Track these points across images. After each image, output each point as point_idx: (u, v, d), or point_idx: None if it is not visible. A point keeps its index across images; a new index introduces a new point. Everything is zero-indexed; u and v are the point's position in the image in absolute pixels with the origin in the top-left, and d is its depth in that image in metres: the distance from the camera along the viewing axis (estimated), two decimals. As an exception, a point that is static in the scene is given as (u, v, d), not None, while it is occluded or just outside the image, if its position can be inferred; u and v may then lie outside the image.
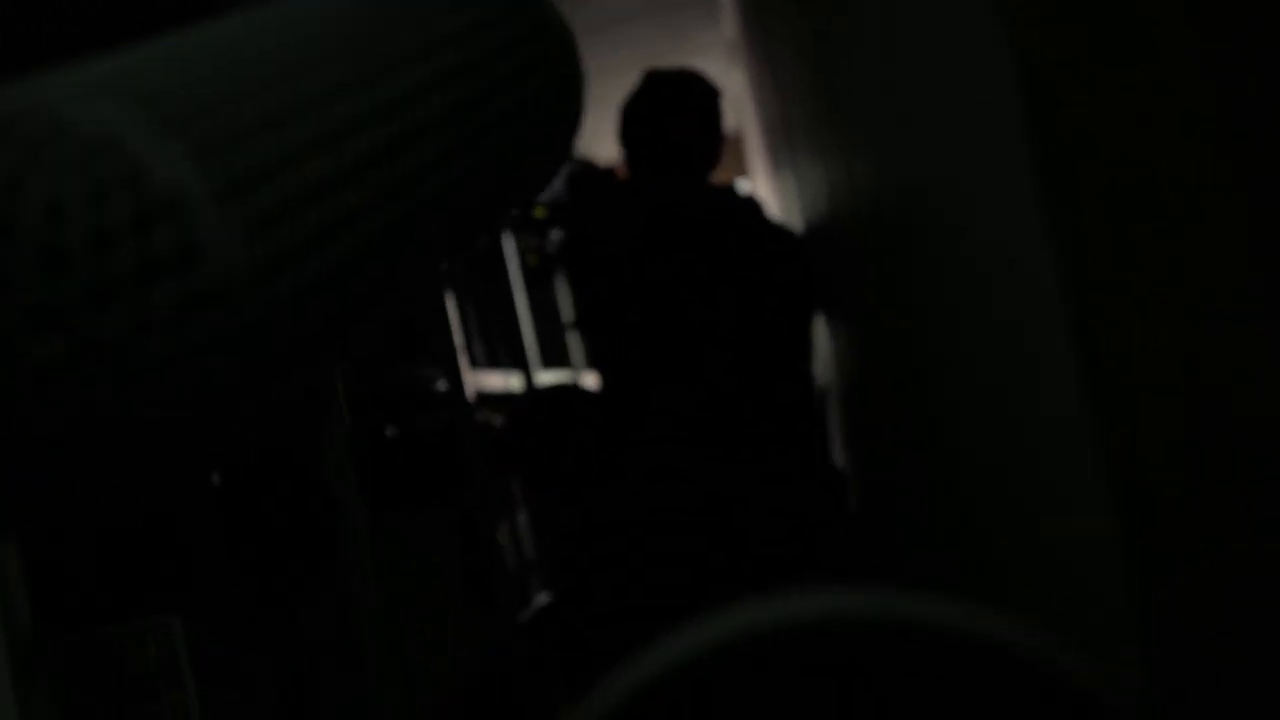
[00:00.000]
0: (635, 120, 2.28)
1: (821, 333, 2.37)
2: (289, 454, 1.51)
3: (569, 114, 0.61)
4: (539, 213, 2.24)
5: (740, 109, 5.24)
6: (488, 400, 2.74)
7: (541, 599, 2.58)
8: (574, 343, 3.90)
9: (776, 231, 2.20)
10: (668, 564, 1.97)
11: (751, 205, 2.23)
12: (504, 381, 2.73)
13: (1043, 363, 0.82)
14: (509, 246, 3.10)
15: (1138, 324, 0.71)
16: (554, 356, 3.57)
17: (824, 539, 2.05)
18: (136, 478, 0.41)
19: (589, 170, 2.27)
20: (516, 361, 3.01)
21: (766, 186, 3.78)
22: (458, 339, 2.32)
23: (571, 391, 2.51)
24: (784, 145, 2.69)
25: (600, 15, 3.98)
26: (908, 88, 1.09)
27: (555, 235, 2.28)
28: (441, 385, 2.15)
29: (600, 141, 5.54)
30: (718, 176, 6.23)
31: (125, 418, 0.38)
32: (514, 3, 0.58)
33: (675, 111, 2.27)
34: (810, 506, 2.04)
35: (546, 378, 3.21)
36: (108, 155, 0.38)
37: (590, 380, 3.91)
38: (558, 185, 2.23)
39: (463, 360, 2.30)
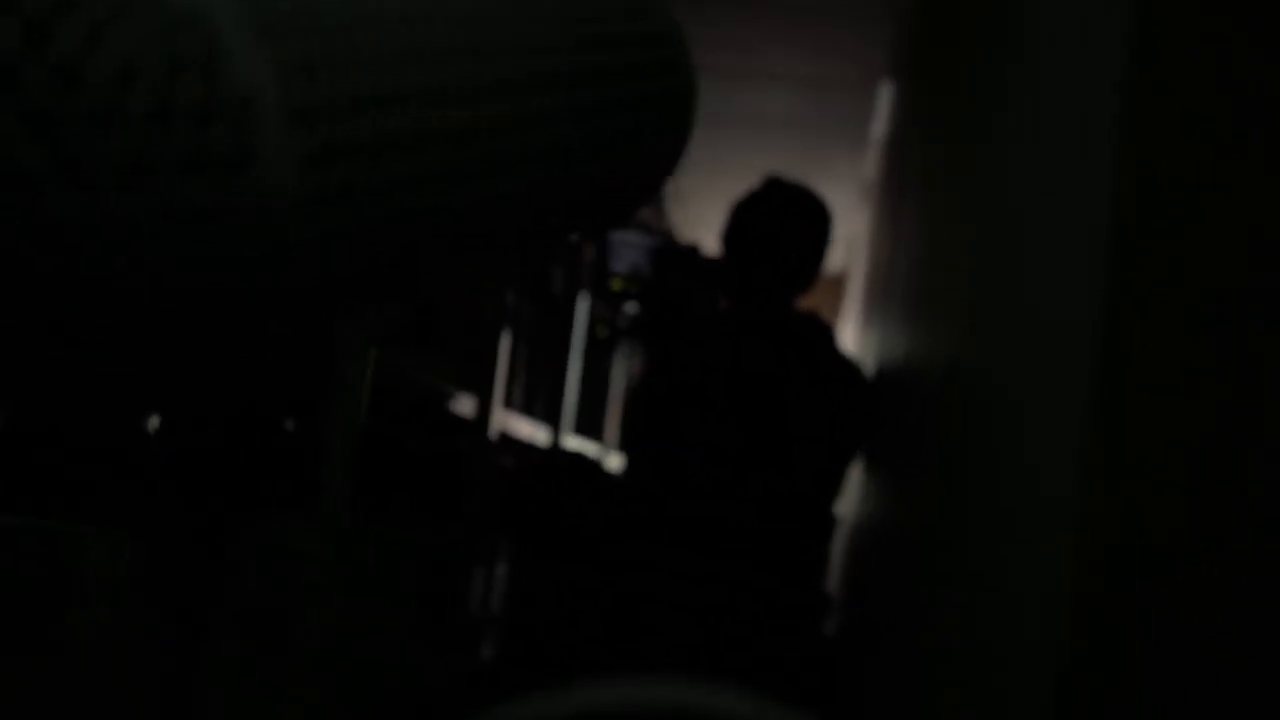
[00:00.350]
0: (744, 221, 2.26)
1: (856, 471, 2.31)
2: (281, 415, 1.47)
3: (674, 139, 0.57)
4: (616, 285, 2.21)
5: (853, 251, 5.21)
6: (510, 444, 2.69)
7: (487, 653, 2.51)
8: (611, 421, 3.86)
9: (843, 372, 2.16)
10: (613, 655, 1.94)
11: (827, 338, 2.19)
12: (531, 432, 2.69)
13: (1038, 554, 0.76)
14: (582, 307, 3.08)
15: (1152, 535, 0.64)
16: (587, 427, 3.53)
17: (783, 665, 2.02)
18: (126, 347, 0.39)
19: (671, 248, 2.24)
20: (550, 418, 2.97)
21: (855, 332, 3.74)
22: (501, 374, 2.28)
23: (593, 466, 2.47)
24: (881, 297, 2.65)
25: (749, 113, 3.98)
26: (990, 279, 1.04)
27: (629, 309, 2.24)
28: (462, 409, 2.10)
29: (704, 231, 5.54)
30: (809, 303, 6.20)
31: (128, 289, 0.37)
32: (642, 12, 0.55)
33: (786, 224, 2.24)
34: (778, 628, 2.01)
35: (572, 443, 3.16)
36: (193, 34, 0.36)
37: (613, 461, 3.87)
38: (640, 259, 2.20)
39: (498, 397, 2.26)
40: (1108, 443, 0.71)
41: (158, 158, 0.36)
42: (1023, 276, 0.99)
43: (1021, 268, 0.99)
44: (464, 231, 0.48)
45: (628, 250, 2.21)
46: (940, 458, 1.32)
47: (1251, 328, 0.56)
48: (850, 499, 2.32)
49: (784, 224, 2.24)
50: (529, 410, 2.79)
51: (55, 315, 0.38)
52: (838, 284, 6.07)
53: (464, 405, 2.10)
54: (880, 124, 3.50)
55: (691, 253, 2.21)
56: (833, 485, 2.16)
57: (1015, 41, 1.15)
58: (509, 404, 2.56)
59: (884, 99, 3.41)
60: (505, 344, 2.32)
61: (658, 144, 0.58)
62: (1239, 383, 0.56)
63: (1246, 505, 0.54)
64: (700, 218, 5.38)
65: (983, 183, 1.26)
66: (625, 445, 2.23)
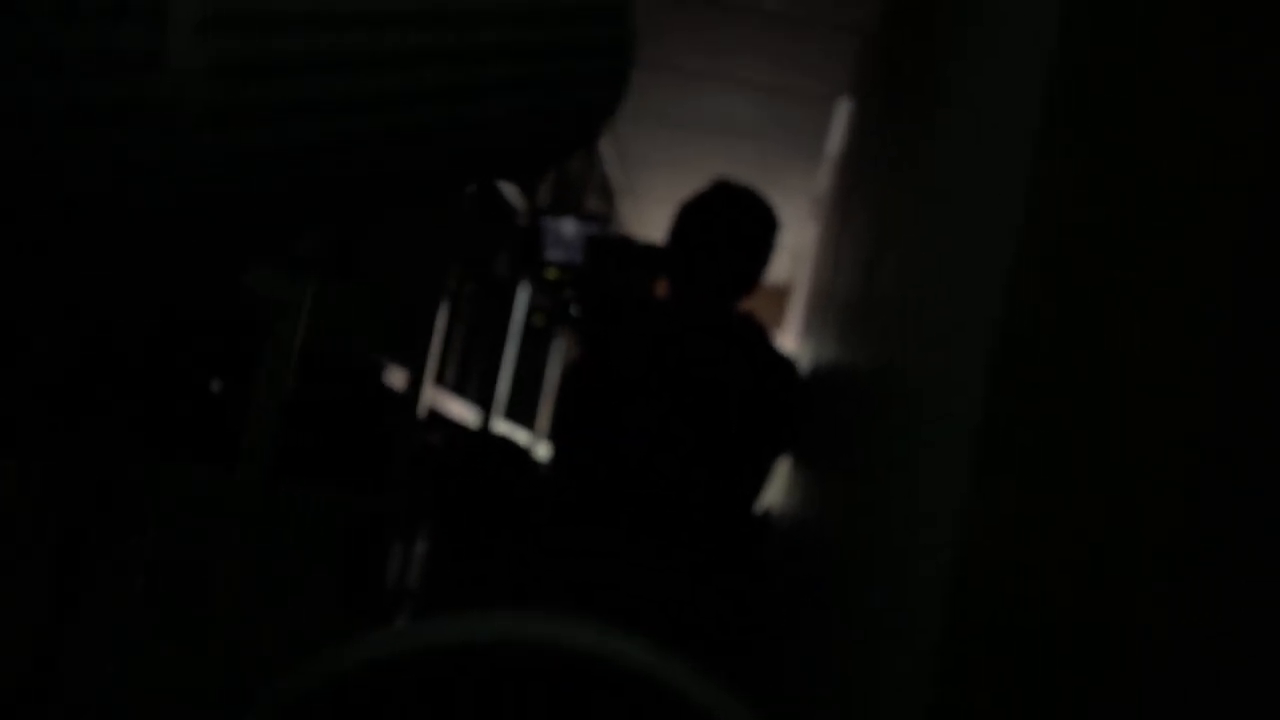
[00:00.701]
0: (691, 221, 2.28)
1: (784, 466, 2.34)
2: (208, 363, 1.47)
3: (609, 93, 0.58)
4: (551, 274, 2.22)
5: (798, 264, 5.25)
6: (439, 422, 2.70)
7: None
8: (543, 408, 3.87)
9: (778, 367, 2.19)
10: None
11: (760, 337, 2.22)
12: (462, 412, 2.69)
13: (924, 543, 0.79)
14: (522, 295, 3.09)
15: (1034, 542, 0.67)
16: (518, 413, 3.54)
17: (702, 643, 2.04)
18: (24, 251, 0.39)
19: (606, 237, 2.25)
20: (482, 400, 2.97)
21: (794, 342, 3.77)
22: (435, 351, 2.29)
23: (521, 452, 2.48)
24: (819, 309, 2.68)
25: (709, 117, 4.00)
26: (912, 293, 1.07)
27: (565, 297, 2.26)
28: (393, 382, 2.11)
29: (654, 229, 5.56)
30: (752, 307, 6.22)
31: (29, 185, 0.37)
32: None
33: (732, 227, 2.27)
34: (701, 607, 2.03)
35: (502, 427, 3.17)
36: None
37: (542, 449, 3.88)
38: (575, 251, 2.21)
39: (430, 373, 2.27)
40: (992, 449, 0.74)
41: (64, 52, 0.36)
42: (939, 291, 1.02)
43: (939, 283, 1.02)
44: (377, 164, 0.48)
45: (562, 238, 2.22)
46: (856, 457, 1.35)
47: (1142, 337, 0.58)
48: (779, 491, 2.34)
49: (730, 226, 2.26)
50: (461, 391, 2.80)
51: None
52: (781, 295, 6.11)
53: (396, 378, 2.11)
54: (835, 140, 3.54)
55: (625, 241, 2.23)
56: (761, 475, 2.19)
57: (950, 71, 1.18)
58: (441, 382, 2.57)
59: (841, 115, 3.45)
60: (442, 321, 2.33)
61: (593, 91, 0.58)
62: (1125, 388, 0.58)
63: (1123, 507, 0.57)
64: (651, 216, 5.39)
65: (910, 203, 1.29)
66: (557, 433, 2.24)
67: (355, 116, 0.45)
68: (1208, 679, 0.45)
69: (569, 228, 2.24)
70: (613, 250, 2.20)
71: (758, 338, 2.22)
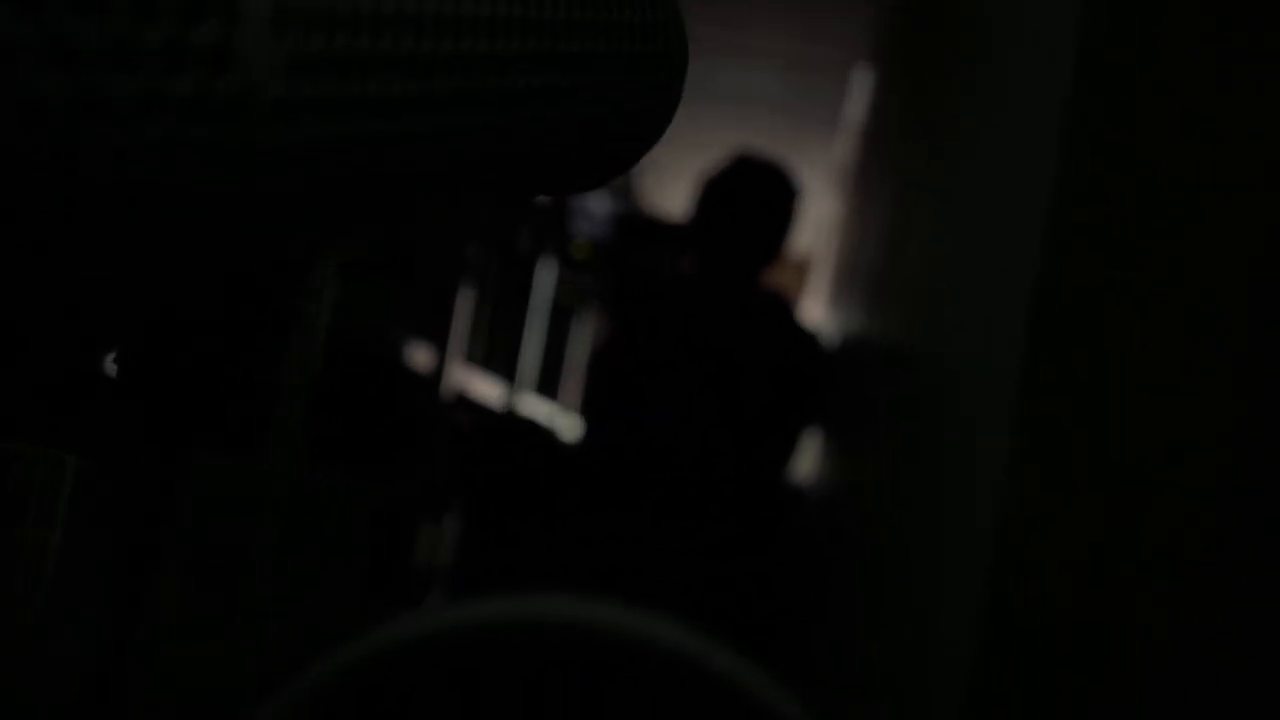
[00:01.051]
0: (713, 195, 2.27)
1: (815, 439, 2.34)
2: (236, 343, 1.47)
3: (662, 105, 0.58)
4: (579, 253, 2.22)
5: (822, 234, 5.23)
6: (466, 401, 2.70)
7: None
8: (569, 383, 3.87)
9: (804, 342, 2.18)
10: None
11: (786, 311, 2.21)
12: (488, 389, 2.70)
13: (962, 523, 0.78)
14: (546, 272, 3.08)
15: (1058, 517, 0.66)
16: (546, 387, 3.55)
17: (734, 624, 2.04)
18: (96, 243, 0.40)
19: (633, 215, 2.25)
20: (509, 376, 2.98)
21: (820, 314, 3.76)
22: (459, 330, 2.29)
23: (547, 433, 2.48)
24: (847, 281, 2.67)
25: (729, 89, 3.99)
26: (942, 266, 1.06)
27: (591, 279, 2.25)
28: (420, 363, 2.11)
29: (674, 203, 5.55)
30: (775, 280, 6.21)
31: (100, 174, 0.37)
32: None
33: (754, 200, 2.26)
34: (727, 592, 2.04)
35: (530, 403, 3.18)
36: None
37: (570, 423, 3.88)
38: (602, 226, 2.21)
39: (456, 350, 2.27)
40: (1029, 433, 0.74)
41: (140, 47, 0.37)
42: (969, 266, 1.01)
43: (969, 257, 1.01)
44: (442, 168, 0.49)
45: (589, 216, 2.22)
46: (888, 434, 1.34)
47: (1174, 324, 0.58)
48: (809, 467, 2.34)
49: (752, 197, 2.25)
50: (488, 367, 2.80)
51: (27, 197, 0.39)
52: (804, 266, 6.10)
53: (421, 358, 2.11)
54: (856, 109, 3.51)
55: (652, 220, 2.23)
56: (788, 450, 2.19)
57: (982, 37, 1.17)
58: (468, 360, 2.57)
59: (861, 84, 3.43)
60: (466, 300, 2.33)
61: (645, 107, 0.58)
62: (1151, 379, 0.58)
63: (1150, 498, 0.56)
64: (671, 189, 5.38)
65: (942, 173, 1.27)
66: (586, 411, 2.24)
67: (416, 116, 0.46)
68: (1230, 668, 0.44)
69: (596, 204, 2.23)
70: (641, 228, 2.20)
71: (784, 312, 2.22)
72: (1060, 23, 0.83)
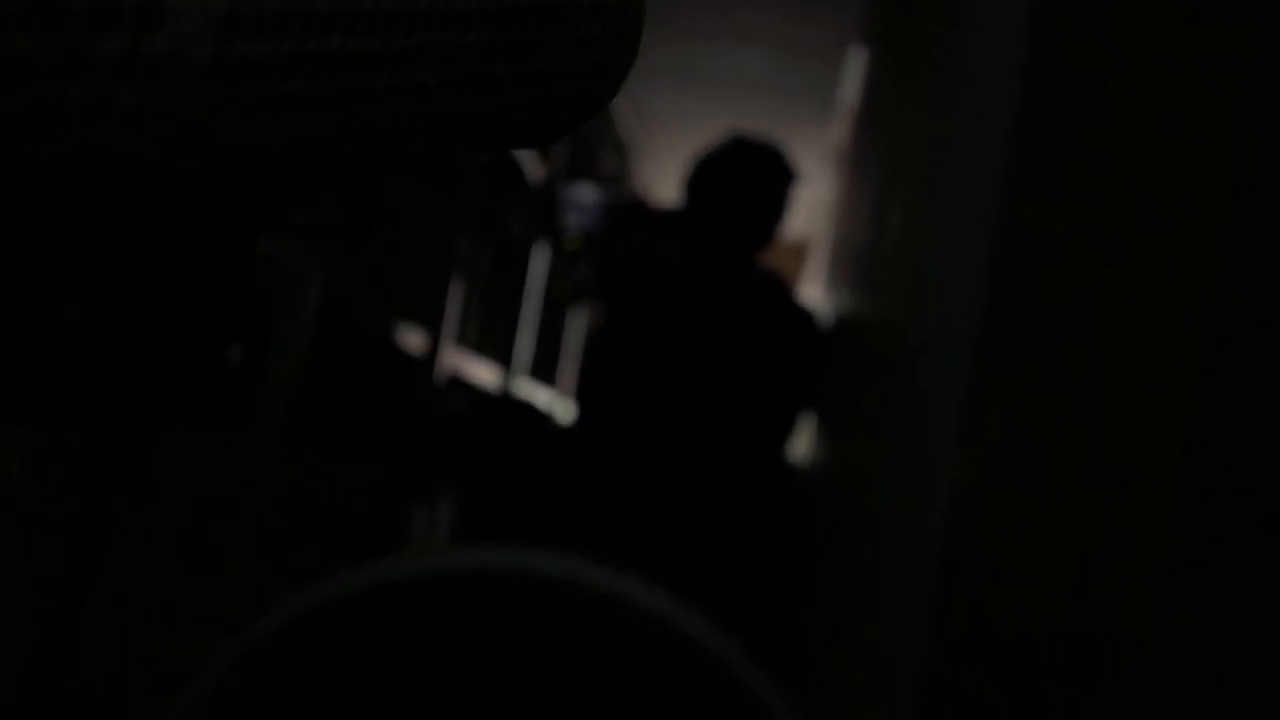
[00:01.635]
0: (707, 174, 2.26)
1: (810, 420, 2.35)
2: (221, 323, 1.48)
3: (619, 57, 0.57)
4: (569, 244, 2.22)
5: (818, 217, 5.23)
6: (460, 384, 2.72)
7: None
8: (564, 367, 3.88)
9: (801, 322, 2.18)
10: None
11: (783, 290, 2.21)
12: (483, 373, 2.71)
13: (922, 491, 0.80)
14: (540, 257, 3.09)
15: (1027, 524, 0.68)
16: (540, 372, 3.56)
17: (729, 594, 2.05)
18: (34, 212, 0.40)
19: (623, 203, 2.25)
20: (503, 361, 2.99)
21: (817, 297, 3.77)
22: (452, 313, 2.30)
23: (542, 418, 2.49)
24: (841, 263, 2.68)
25: (721, 72, 3.98)
26: (916, 247, 1.08)
27: (584, 270, 2.25)
28: (412, 345, 2.13)
29: (670, 188, 5.55)
30: (773, 262, 6.20)
31: (32, 137, 0.38)
32: None
33: (748, 179, 2.24)
34: (723, 589, 2.04)
35: (524, 388, 3.19)
36: None
37: (565, 408, 3.89)
38: (592, 216, 2.21)
39: (449, 334, 2.28)
40: (979, 416, 0.75)
41: (66, 9, 0.37)
42: (933, 247, 1.02)
43: (933, 238, 1.03)
44: (381, 126, 0.49)
45: (579, 207, 2.22)
46: (860, 414, 1.36)
47: (1138, 291, 0.59)
48: (804, 450, 2.35)
49: (747, 179, 2.25)
50: (482, 352, 2.81)
51: None
52: (801, 248, 6.10)
53: (414, 341, 2.13)
54: (849, 90, 3.51)
55: (642, 206, 2.23)
56: (786, 432, 2.20)
57: (950, 17, 1.18)
58: (462, 343, 2.58)
59: (852, 65, 3.43)
60: (459, 284, 2.34)
61: (603, 56, 0.58)
62: (1100, 366, 0.59)
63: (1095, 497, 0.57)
64: (667, 174, 5.38)
65: (914, 154, 1.29)
66: (582, 396, 2.24)
67: (359, 74, 0.45)
68: (1206, 672, 0.46)
69: (585, 194, 2.23)
70: (631, 216, 2.20)
71: (782, 291, 2.21)
72: (1015, 4, 0.84)
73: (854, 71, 3.37)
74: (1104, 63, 0.67)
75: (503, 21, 0.49)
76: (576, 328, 3.96)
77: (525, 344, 3.08)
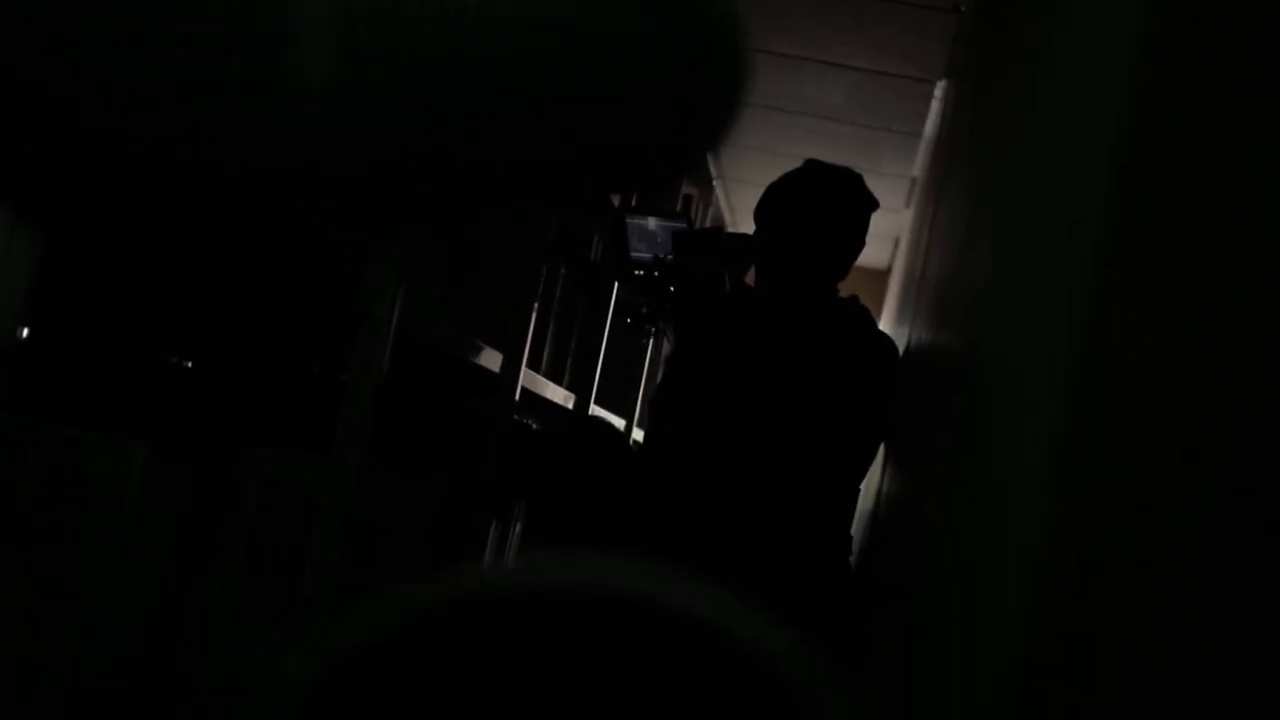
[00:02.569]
0: (782, 201, 2.24)
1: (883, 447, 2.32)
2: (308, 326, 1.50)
3: (719, 107, 0.58)
4: (638, 272, 2.21)
5: (897, 249, 5.21)
6: (534, 405, 2.73)
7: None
8: (637, 396, 3.89)
9: (877, 352, 2.15)
10: None
11: (863, 320, 2.18)
12: (557, 396, 2.72)
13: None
14: (616, 290, 3.10)
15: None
16: (614, 400, 3.57)
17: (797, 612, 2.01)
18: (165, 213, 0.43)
19: (694, 231, 2.24)
20: (577, 386, 3.00)
21: (890, 328, 3.75)
22: (528, 334, 2.32)
23: (621, 437, 2.49)
24: (912, 293, 2.66)
25: (805, 103, 3.99)
26: (1000, 278, 1.07)
27: (651, 299, 2.24)
28: (489, 365, 2.14)
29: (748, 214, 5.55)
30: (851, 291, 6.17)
31: (166, 153, 0.40)
32: None
33: (826, 205, 2.22)
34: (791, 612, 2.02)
35: (600, 413, 3.20)
36: None
37: (636, 436, 3.90)
38: (661, 247, 2.20)
39: (524, 355, 2.30)
40: (1086, 443, 0.74)
41: (199, 33, 0.40)
42: (1024, 276, 1.01)
43: (1024, 267, 1.02)
44: (490, 158, 0.50)
45: (647, 236, 2.21)
46: (943, 445, 1.35)
47: (1241, 330, 0.58)
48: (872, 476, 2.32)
49: (825, 206, 2.22)
50: (556, 378, 2.82)
51: (105, 171, 0.41)
52: (882, 279, 6.07)
53: (490, 361, 2.14)
54: (932, 124, 3.50)
55: (715, 234, 2.21)
56: (862, 459, 2.17)
57: (1046, 50, 1.17)
58: (536, 367, 2.60)
59: (938, 99, 3.41)
60: (536, 305, 2.36)
61: (700, 107, 0.59)
62: (1226, 385, 0.58)
63: (1218, 510, 0.57)
64: (746, 201, 5.39)
65: (1003, 188, 1.28)
66: (654, 422, 2.23)
67: (456, 109, 0.47)
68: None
69: (653, 225, 2.23)
70: (701, 243, 2.18)
71: (859, 319, 2.19)
72: (1118, 36, 0.84)
73: (939, 105, 3.35)
74: (1210, 99, 0.67)
75: (590, 77, 0.50)
76: (649, 357, 3.97)
77: (597, 369, 3.09)
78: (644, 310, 2.25)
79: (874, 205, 2.27)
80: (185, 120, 0.41)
